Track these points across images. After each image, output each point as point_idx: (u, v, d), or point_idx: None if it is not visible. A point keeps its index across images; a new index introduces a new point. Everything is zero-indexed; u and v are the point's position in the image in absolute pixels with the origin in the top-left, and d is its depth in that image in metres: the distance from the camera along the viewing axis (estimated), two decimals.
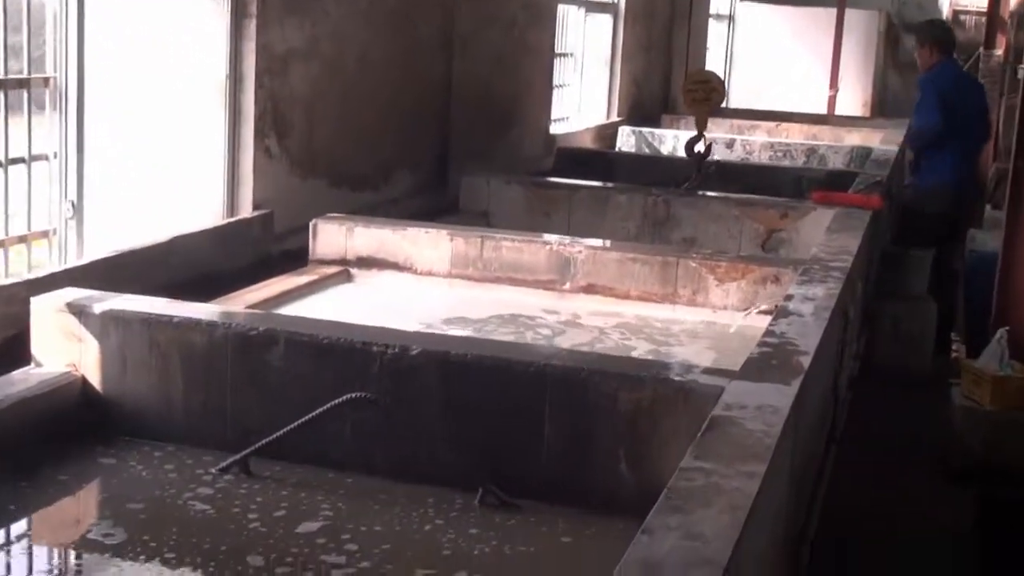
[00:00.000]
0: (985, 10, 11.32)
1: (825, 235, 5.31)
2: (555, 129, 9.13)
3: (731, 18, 16.27)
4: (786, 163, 9.25)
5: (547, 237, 4.95)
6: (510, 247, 4.91)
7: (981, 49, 10.61)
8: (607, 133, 9.97)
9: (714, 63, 15.49)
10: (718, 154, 9.39)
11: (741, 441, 2.67)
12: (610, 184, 6.65)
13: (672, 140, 9.57)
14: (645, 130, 9.66)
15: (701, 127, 7.18)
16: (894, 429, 5.86)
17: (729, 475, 2.45)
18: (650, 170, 8.02)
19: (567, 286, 4.85)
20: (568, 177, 8.13)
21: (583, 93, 9.98)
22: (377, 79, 6.15)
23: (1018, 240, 5.17)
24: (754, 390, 3.01)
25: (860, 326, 6.31)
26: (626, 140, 9.69)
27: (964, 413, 5.15)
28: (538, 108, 8.58)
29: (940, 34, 7.55)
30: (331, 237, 5.10)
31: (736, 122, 11.16)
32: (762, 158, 9.32)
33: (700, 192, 6.56)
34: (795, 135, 10.79)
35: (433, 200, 6.76)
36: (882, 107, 15.96)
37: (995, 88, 10.68)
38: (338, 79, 5.79)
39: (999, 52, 10.52)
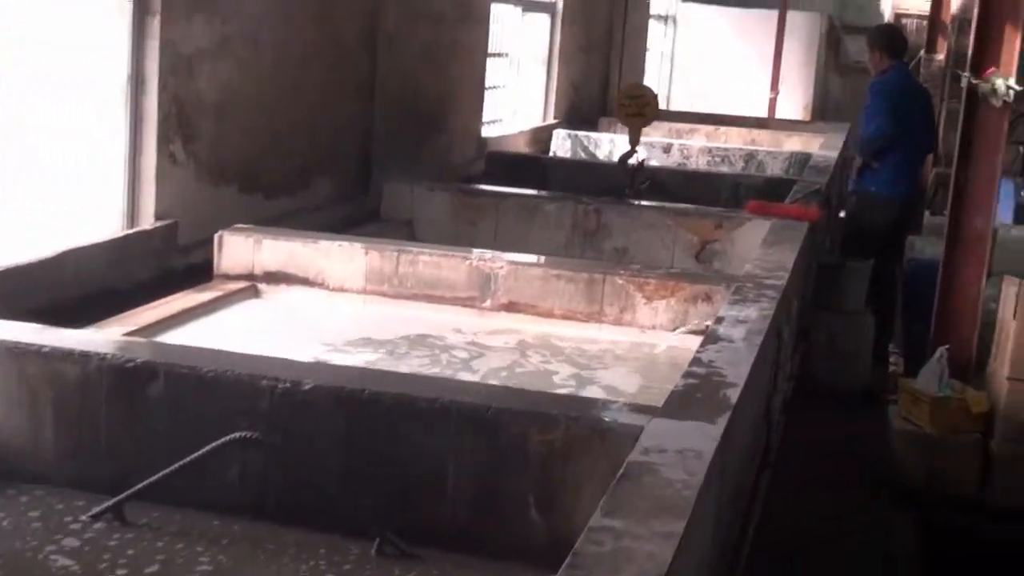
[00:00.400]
0: (927, 14, 11.21)
1: (760, 249, 5.07)
2: (488, 132, 8.85)
3: (672, 19, 16.09)
4: (724, 169, 9.04)
5: (467, 252, 4.67)
6: (428, 262, 4.63)
7: (922, 53, 10.48)
8: (543, 136, 9.71)
9: (654, 65, 15.33)
10: (655, 159, 9.21)
11: (658, 493, 2.41)
12: (539, 192, 6.39)
13: (608, 144, 9.33)
14: (581, 134, 9.40)
15: (634, 141, 6.94)
16: (831, 449, 5.65)
17: (642, 536, 2.19)
18: (584, 176, 7.77)
19: (488, 304, 4.58)
20: (499, 183, 7.86)
21: (519, 95, 9.71)
22: (295, 79, 5.84)
23: (958, 255, 4.97)
24: (676, 430, 2.76)
25: (796, 342, 6.10)
26: (561, 144, 9.44)
27: (903, 437, 4.94)
28: (469, 110, 8.30)
29: (891, 39, 7.39)
30: (237, 250, 4.79)
31: (675, 126, 10.95)
32: (700, 163, 9.10)
33: (633, 201, 6.30)
34: (734, 140, 10.60)
35: (356, 207, 6.46)
36: (823, 111, 15.85)
37: (936, 93, 10.56)
38: (252, 80, 5.47)
39: (940, 56, 10.40)
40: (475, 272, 4.59)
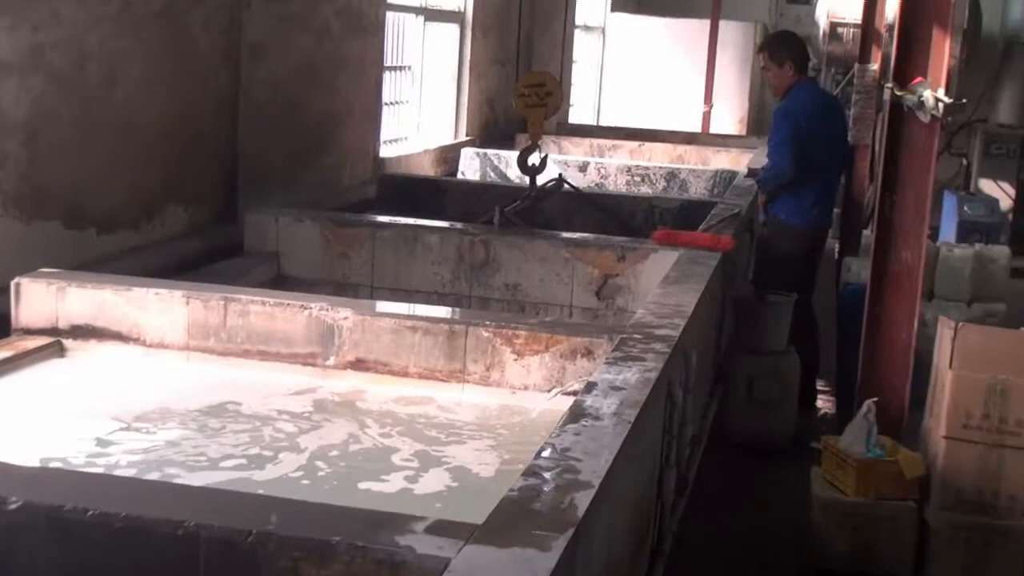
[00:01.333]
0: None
1: (659, 288, 4.39)
2: (388, 152, 8.13)
3: (601, 30, 15.45)
4: (644, 189, 8.38)
5: (306, 300, 3.95)
6: (260, 312, 3.90)
7: (856, 64, 9.88)
8: (451, 156, 9.00)
9: (582, 77, 14.68)
10: (572, 179, 8.52)
11: None
12: (420, 221, 5.67)
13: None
14: (491, 152, 8.69)
15: (535, 136, 6.25)
16: (744, 520, 4.97)
17: None
18: (487, 199, 7.07)
19: (331, 361, 3.86)
20: (393, 207, 7.16)
21: (424, 111, 8.99)
22: (134, 97, 5.10)
23: (885, 292, 4.31)
24: (494, 563, 2.06)
25: (710, 391, 5.43)
26: (469, 164, 8.73)
27: (825, 506, 4.26)
28: (362, 128, 7.57)
29: (797, 48, 6.52)
30: (39, 300, 4.04)
31: (596, 142, 10.29)
32: (618, 183, 8.44)
33: (527, 231, 5.61)
34: (659, 157, 9.94)
35: (218, 240, 5.71)
36: (759, 124, 15.25)
37: (870, 104, 9.96)
38: (76, 96, 4.73)
39: (874, 67, 9.79)
40: (315, 324, 3.87)
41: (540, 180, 6.38)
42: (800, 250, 6.17)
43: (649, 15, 15.85)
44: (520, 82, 6.37)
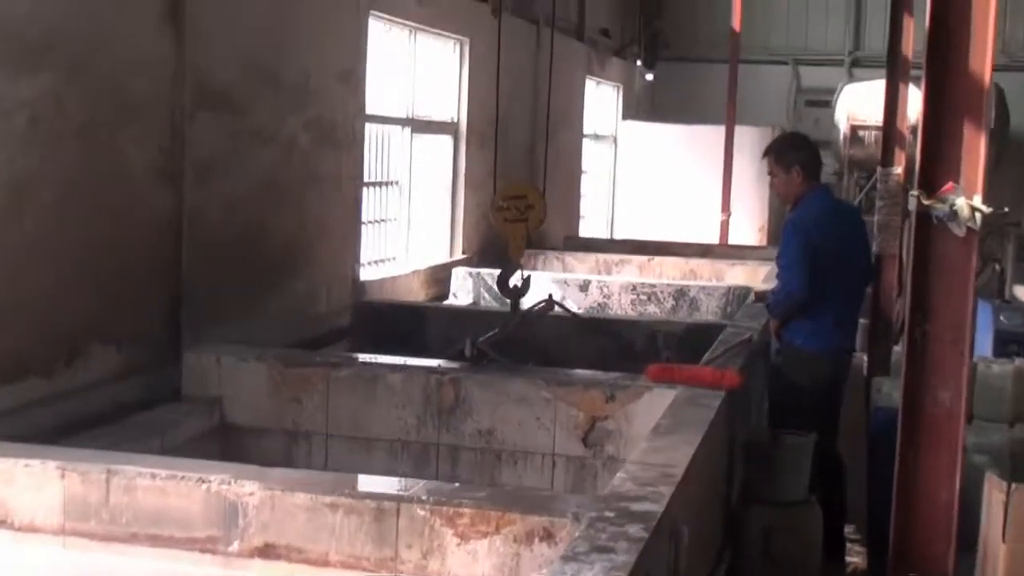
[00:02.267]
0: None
1: (646, 442, 3.65)
2: (370, 274, 7.47)
3: (612, 139, 14.90)
4: (651, 308, 7.68)
5: (205, 471, 3.23)
6: (149, 487, 3.19)
7: (879, 168, 9.22)
8: (443, 276, 8.34)
9: (592, 189, 14.09)
10: (571, 297, 7.83)
11: None
12: (381, 358, 4.98)
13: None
14: (484, 271, 8.00)
15: (516, 254, 5.60)
16: None
17: None
18: (474, 326, 6.38)
19: (234, 547, 3.13)
20: (370, 339, 6.49)
21: (413, 229, 8.35)
22: (47, 224, 4.47)
23: (920, 446, 3.55)
24: None
25: (719, 549, 4.64)
26: (461, 285, 8.06)
27: None
28: (338, 250, 6.92)
29: (807, 151, 5.78)
30: None
31: (603, 257, 9.62)
32: (622, 303, 7.74)
33: (504, 366, 4.89)
34: (669, 272, 9.26)
35: (155, 385, 5.02)
36: (779, 233, 14.57)
37: (896, 211, 9.25)
38: None
39: (898, 170, 9.10)
40: (216, 501, 3.14)
41: (529, 302, 5.70)
42: (821, 380, 5.37)
43: (662, 122, 15.30)
44: (498, 194, 5.75)
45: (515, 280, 5.58)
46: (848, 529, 5.75)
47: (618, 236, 14.15)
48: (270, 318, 6.09)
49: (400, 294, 7.71)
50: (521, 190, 5.74)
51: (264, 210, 6.09)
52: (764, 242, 14.29)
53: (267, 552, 3.10)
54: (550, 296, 5.94)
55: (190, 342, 5.24)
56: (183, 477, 3.18)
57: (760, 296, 6.24)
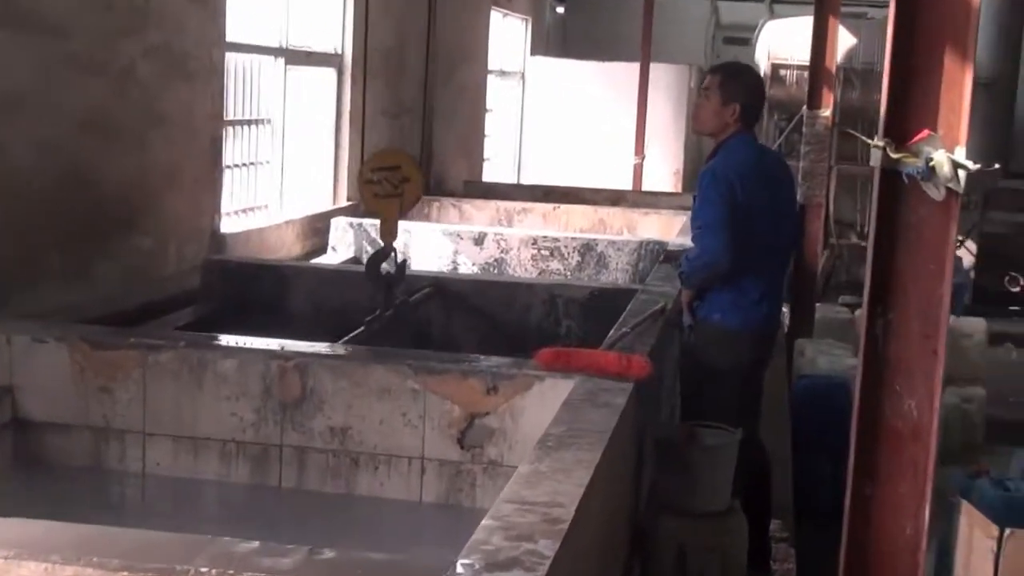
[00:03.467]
0: (807, 64, 9.23)
1: (531, 460, 2.81)
2: (232, 225, 6.52)
3: (520, 75, 13.98)
4: (554, 265, 6.84)
5: None
6: None
7: (805, 109, 8.45)
8: (323, 227, 7.40)
9: (501, 128, 13.18)
10: (464, 252, 6.97)
11: None
12: (212, 338, 4.08)
13: (405, 236, 7.06)
14: (368, 223, 7.08)
15: (388, 235, 4.74)
16: None
17: None
18: (341, 290, 5.50)
19: None
20: (222, 304, 5.58)
21: (287, 174, 7.39)
22: None
23: (878, 463, 2.76)
24: None
25: (625, 565, 3.84)
26: (341, 237, 7.13)
27: None
28: (192, 199, 5.97)
29: (755, 99, 4.73)
30: None
31: (504, 205, 8.75)
32: (522, 259, 6.88)
33: (362, 354, 4.02)
34: (576, 221, 8.42)
35: None
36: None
37: (822, 156, 8.52)
38: None
39: (826, 112, 8.34)
40: None
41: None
42: (743, 363, 4.51)
43: (574, 59, 14.41)
44: (366, 164, 4.91)
45: (387, 266, 4.74)
46: (773, 527, 4.98)
47: (526, 181, 13.29)
48: (101, 282, 5.15)
49: (270, 249, 6.79)
50: (395, 159, 4.89)
51: (92, 153, 5.12)
52: (679, 187, 13.55)
53: None
54: (405, 260, 5.11)
55: None
56: None
57: (671, 256, 5.38)
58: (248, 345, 3.92)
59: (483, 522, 2.38)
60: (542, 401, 3.64)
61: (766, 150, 5.39)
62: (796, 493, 5.81)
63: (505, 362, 3.77)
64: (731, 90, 4.61)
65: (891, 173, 2.64)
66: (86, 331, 3.98)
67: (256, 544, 2.27)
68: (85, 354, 3.90)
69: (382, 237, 4.84)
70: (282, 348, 3.85)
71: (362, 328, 4.54)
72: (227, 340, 3.98)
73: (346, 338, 4.39)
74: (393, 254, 4.86)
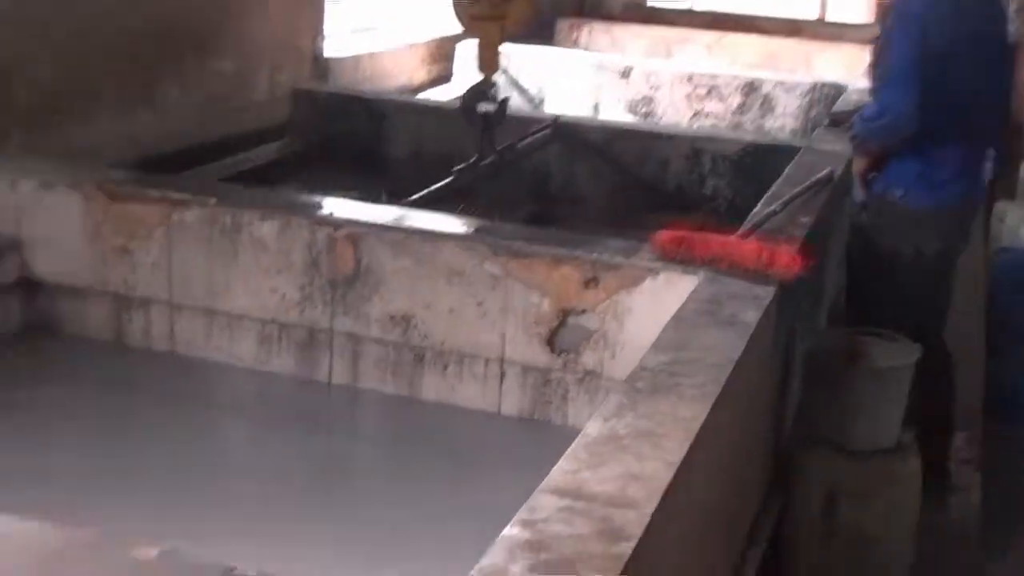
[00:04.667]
0: None
1: (612, 404, 1.99)
2: (339, 50, 5.72)
3: None
4: (711, 106, 5.88)
5: None
6: None
7: None
8: (450, 53, 6.53)
9: None
10: (607, 88, 6.06)
11: None
12: (249, 193, 3.32)
13: (539, 64, 6.16)
14: (505, 48, 6.15)
15: (490, 66, 3.91)
16: None
17: None
18: (447, 132, 4.66)
19: None
20: (312, 140, 4.84)
21: None
22: None
23: None
24: None
25: (762, 500, 3.02)
26: (468, 66, 6.24)
27: None
28: (289, 17, 5.18)
29: None
30: None
31: (662, 32, 7.71)
32: (675, 98, 5.93)
33: (435, 214, 3.22)
34: (745, 55, 7.35)
35: None
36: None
37: None
38: None
39: None
40: None
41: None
42: (929, 253, 3.51)
43: None
44: None
45: (485, 107, 3.93)
46: (956, 443, 4.05)
47: (699, 7, 12.08)
48: (170, 111, 4.44)
49: (386, 76, 5.98)
50: None
51: None
52: (872, 18, 12.12)
53: None
54: (505, 100, 4.25)
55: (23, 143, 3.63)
56: None
57: (838, 120, 4.31)
58: (291, 204, 3.15)
59: (505, 531, 1.57)
60: (654, 300, 2.79)
61: None
62: (988, 401, 4.85)
63: (613, 247, 2.90)
64: None
65: None
66: (103, 181, 3.25)
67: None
68: (102, 205, 3.20)
69: (480, 68, 4.02)
70: (331, 214, 3.05)
71: (449, 179, 3.72)
72: (267, 197, 3.22)
73: (424, 192, 3.58)
74: (493, 90, 4.03)
